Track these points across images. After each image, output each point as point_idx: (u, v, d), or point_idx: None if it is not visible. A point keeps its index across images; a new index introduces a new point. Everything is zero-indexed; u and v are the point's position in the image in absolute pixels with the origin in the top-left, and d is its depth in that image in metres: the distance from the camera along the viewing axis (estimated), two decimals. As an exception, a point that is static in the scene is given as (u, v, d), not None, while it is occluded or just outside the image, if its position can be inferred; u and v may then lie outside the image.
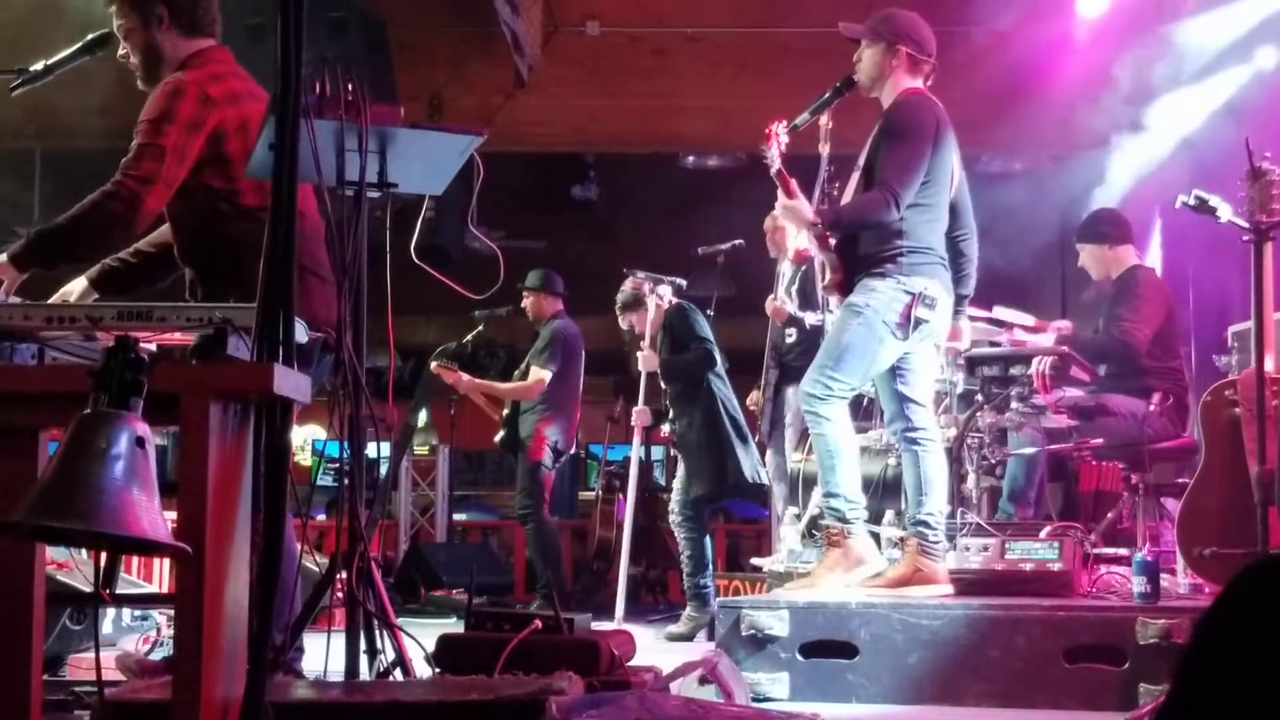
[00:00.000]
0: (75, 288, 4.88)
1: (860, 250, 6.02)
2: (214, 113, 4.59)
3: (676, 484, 8.79)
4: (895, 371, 6.05)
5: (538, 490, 9.75)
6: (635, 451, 8.68)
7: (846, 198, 6.17)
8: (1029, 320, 7.54)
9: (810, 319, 8.25)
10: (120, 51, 4.83)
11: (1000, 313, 7.48)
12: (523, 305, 10.10)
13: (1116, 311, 7.28)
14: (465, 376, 10.39)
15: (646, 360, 8.74)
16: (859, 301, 5.94)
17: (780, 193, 6.06)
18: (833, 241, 6.08)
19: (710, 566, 8.68)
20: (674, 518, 8.76)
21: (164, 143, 4.50)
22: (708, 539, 8.73)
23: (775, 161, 6.08)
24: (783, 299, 8.40)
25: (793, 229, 8.00)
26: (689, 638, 8.34)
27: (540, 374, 9.76)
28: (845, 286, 6.06)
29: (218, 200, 4.63)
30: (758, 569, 8.58)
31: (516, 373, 10.19)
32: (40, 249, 4.56)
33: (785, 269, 8.61)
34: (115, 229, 4.53)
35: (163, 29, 4.77)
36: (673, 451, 8.85)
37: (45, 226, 4.60)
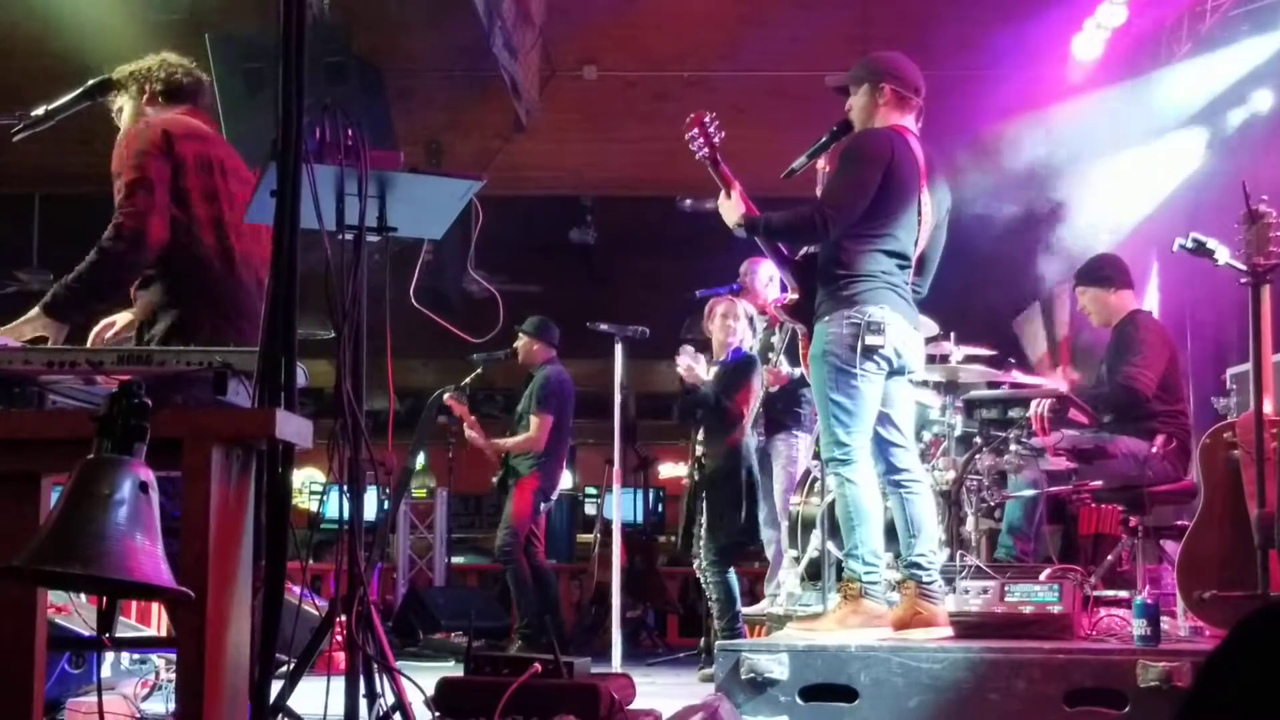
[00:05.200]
0: (121, 319, 5.03)
1: (817, 285, 6.02)
2: (176, 145, 4.80)
3: (703, 528, 8.64)
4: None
5: (521, 532, 9.77)
6: (618, 495, 8.64)
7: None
8: (1042, 345, 7.57)
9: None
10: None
11: (1034, 312, 7.53)
12: (515, 346, 10.12)
13: (1121, 359, 7.25)
14: (473, 419, 10.42)
15: (687, 370, 8.48)
16: (818, 350, 5.93)
17: (722, 193, 6.01)
18: (792, 257, 6.11)
19: (739, 605, 8.62)
20: (700, 561, 8.62)
21: (151, 175, 4.69)
22: (733, 579, 8.65)
23: (702, 149, 6.04)
24: (778, 363, 8.41)
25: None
26: None
27: (541, 422, 9.82)
28: (799, 311, 6.10)
29: (177, 232, 4.75)
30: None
31: (517, 420, 10.20)
32: (67, 300, 4.74)
33: (760, 335, 8.66)
34: (126, 269, 4.75)
35: (145, 101, 4.99)
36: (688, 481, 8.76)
37: (66, 279, 4.77)
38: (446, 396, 10.53)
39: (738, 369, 8.39)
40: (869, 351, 5.81)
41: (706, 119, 6.03)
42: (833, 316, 5.88)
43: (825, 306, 5.93)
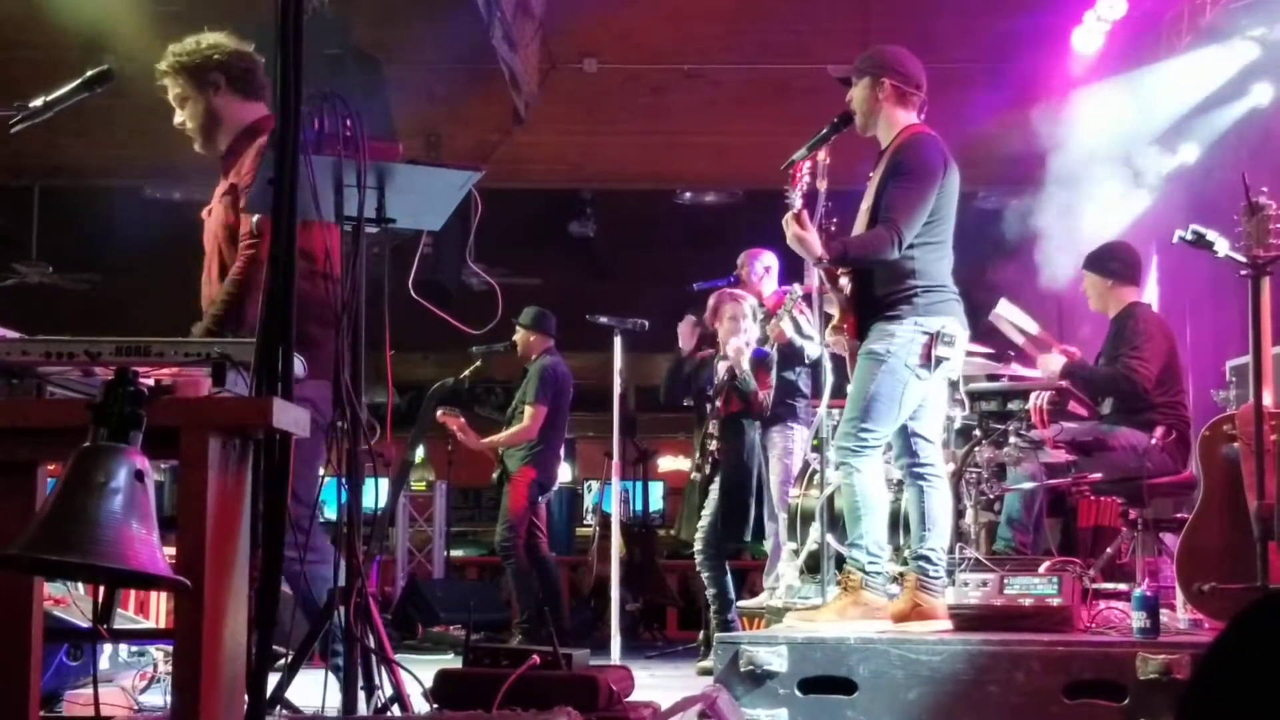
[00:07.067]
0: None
1: (874, 292, 6.00)
2: None
3: (705, 520, 8.63)
4: None
5: (519, 527, 9.76)
6: (616, 488, 8.65)
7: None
8: (1033, 327, 7.52)
9: (810, 348, 8.27)
10: (176, 119, 4.97)
11: (1005, 309, 7.47)
12: (513, 339, 10.12)
13: (1121, 350, 7.23)
14: (462, 421, 10.44)
15: (736, 351, 8.50)
16: (879, 349, 5.92)
17: (793, 222, 5.98)
18: (844, 283, 6.09)
19: (734, 602, 8.63)
20: (699, 556, 8.64)
21: None
22: (729, 575, 8.67)
23: (797, 203, 6.02)
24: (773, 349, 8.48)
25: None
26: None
27: (535, 413, 9.80)
28: (857, 329, 6.06)
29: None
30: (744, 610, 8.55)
31: (511, 412, 10.20)
32: (223, 323, 4.75)
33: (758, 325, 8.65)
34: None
35: (219, 94, 4.94)
36: (695, 475, 8.76)
37: (218, 305, 4.80)
38: (440, 414, 10.55)
39: (753, 366, 8.43)
40: (937, 362, 5.89)
41: (803, 170, 6.09)
42: (902, 321, 5.91)
43: (894, 311, 5.93)
